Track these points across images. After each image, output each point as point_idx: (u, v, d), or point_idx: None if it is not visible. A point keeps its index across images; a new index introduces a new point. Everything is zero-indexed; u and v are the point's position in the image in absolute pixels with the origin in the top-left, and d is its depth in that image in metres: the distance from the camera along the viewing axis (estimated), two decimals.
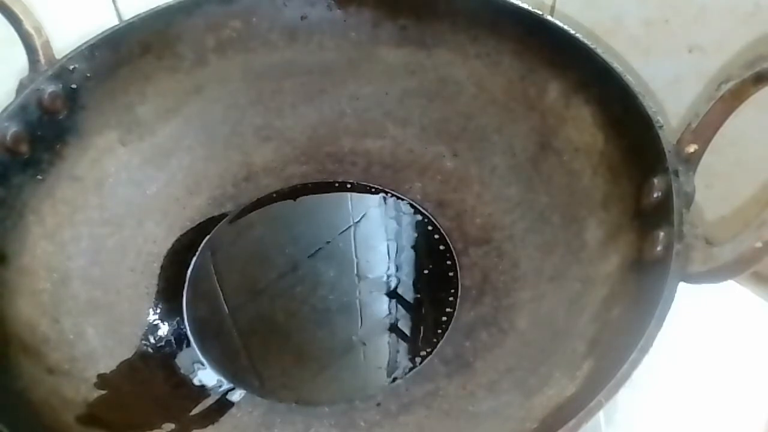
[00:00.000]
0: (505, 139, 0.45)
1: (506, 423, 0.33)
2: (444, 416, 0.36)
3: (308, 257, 0.45)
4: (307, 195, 0.48)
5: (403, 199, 0.48)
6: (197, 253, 0.45)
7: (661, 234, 0.32)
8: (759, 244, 0.27)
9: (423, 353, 0.40)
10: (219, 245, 0.46)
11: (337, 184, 0.49)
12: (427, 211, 0.47)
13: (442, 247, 0.45)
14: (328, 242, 0.46)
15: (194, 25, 0.45)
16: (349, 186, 0.49)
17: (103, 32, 0.42)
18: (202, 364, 0.40)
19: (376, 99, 0.49)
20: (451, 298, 0.42)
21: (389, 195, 0.48)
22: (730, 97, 0.32)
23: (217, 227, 0.46)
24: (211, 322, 0.43)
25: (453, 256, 0.44)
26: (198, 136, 0.47)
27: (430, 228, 0.46)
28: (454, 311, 0.42)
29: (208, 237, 0.46)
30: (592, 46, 0.39)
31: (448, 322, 0.41)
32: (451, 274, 0.44)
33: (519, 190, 0.44)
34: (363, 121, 0.49)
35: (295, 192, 0.49)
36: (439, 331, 0.41)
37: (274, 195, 0.48)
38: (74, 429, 0.34)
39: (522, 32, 0.43)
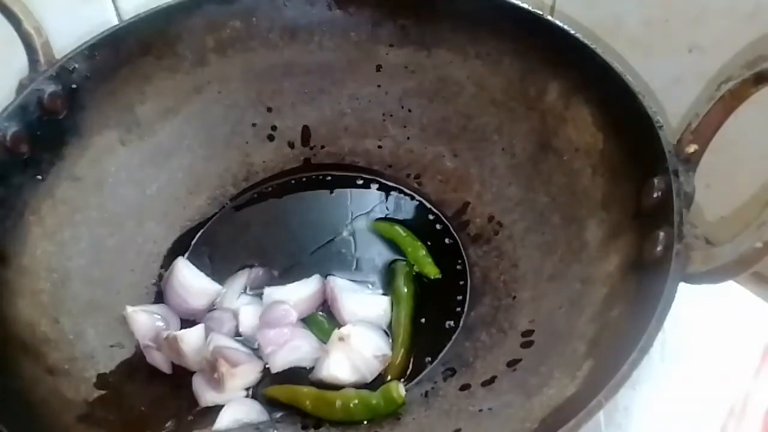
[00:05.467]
0: (505, 139, 0.45)
1: (506, 423, 0.33)
2: (444, 416, 0.36)
3: (308, 256, 0.45)
4: (306, 193, 0.49)
5: (402, 199, 0.48)
6: (189, 250, 0.45)
7: (661, 234, 0.32)
8: (759, 245, 0.27)
9: (424, 353, 0.40)
10: (217, 243, 0.46)
11: (337, 182, 0.49)
12: (426, 210, 0.47)
13: (442, 247, 0.45)
14: (328, 240, 0.46)
15: (194, 25, 0.45)
16: (349, 184, 0.49)
17: (103, 32, 0.42)
18: None
19: (376, 99, 0.49)
20: (451, 299, 0.43)
21: (389, 194, 0.48)
22: (730, 97, 0.32)
23: (208, 224, 0.46)
24: None
25: (453, 256, 0.44)
26: (198, 136, 0.47)
27: (429, 228, 0.46)
28: (455, 312, 0.42)
29: (201, 232, 0.46)
30: (592, 46, 0.39)
31: (449, 323, 0.42)
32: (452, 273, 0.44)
33: (519, 190, 0.44)
34: (363, 121, 0.49)
35: (294, 190, 0.49)
36: (441, 331, 0.41)
37: (274, 194, 0.48)
38: (74, 429, 0.34)
39: (522, 32, 0.43)
